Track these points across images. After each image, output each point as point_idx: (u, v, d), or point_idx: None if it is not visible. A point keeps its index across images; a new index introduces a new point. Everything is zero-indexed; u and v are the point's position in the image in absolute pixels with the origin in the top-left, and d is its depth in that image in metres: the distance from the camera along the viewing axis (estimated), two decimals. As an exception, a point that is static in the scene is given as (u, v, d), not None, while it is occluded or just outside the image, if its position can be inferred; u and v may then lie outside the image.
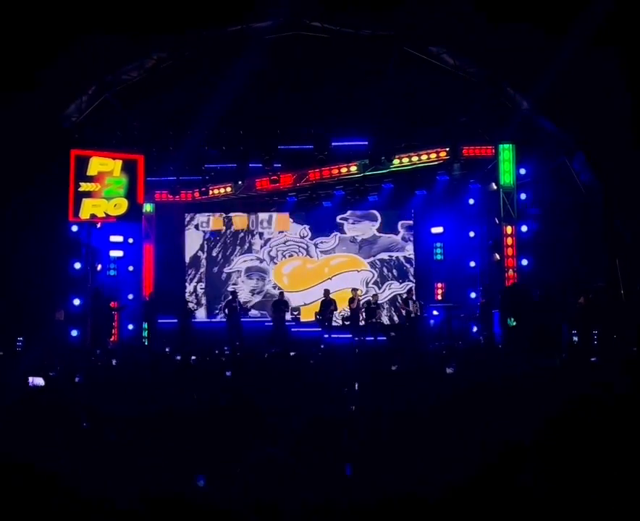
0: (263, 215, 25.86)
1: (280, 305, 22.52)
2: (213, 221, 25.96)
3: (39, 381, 9.67)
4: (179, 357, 14.31)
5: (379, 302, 22.88)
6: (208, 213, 25.72)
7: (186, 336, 21.94)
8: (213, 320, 25.04)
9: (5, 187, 18.77)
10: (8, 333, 18.15)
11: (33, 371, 10.03)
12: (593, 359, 10.83)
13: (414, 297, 22.65)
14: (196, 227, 25.89)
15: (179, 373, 11.03)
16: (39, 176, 19.43)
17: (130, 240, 23.51)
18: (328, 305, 22.60)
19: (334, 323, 22.91)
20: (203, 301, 25.78)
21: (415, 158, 21.77)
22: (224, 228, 25.93)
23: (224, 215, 25.74)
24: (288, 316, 23.42)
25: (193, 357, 15.13)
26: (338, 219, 25.74)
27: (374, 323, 21.94)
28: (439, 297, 24.24)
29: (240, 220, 25.92)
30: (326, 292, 23.06)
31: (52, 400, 7.28)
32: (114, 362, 13.96)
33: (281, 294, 23.47)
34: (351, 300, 22.17)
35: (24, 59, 17.08)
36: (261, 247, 25.81)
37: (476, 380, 8.71)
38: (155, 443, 5.24)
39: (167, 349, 19.79)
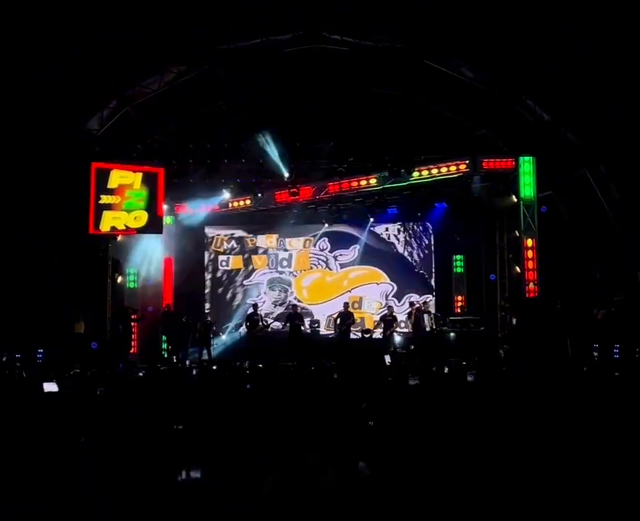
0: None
1: (294, 317, 22.52)
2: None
3: (53, 387, 9.71)
4: (196, 371, 14.32)
5: (394, 314, 22.78)
6: (227, 226, 25.76)
7: (206, 347, 22.00)
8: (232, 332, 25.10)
9: (27, 200, 18.92)
10: (28, 344, 18.23)
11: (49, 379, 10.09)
12: (617, 373, 10.71)
13: (430, 311, 22.51)
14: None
15: (199, 386, 11.01)
16: (61, 189, 19.56)
17: (150, 252, 23.60)
18: (346, 317, 22.57)
19: (352, 336, 22.89)
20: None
21: (434, 171, 21.63)
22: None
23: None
24: (306, 328, 23.50)
25: (214, 367, 15.17)
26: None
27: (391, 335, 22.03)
28: (459, 310, 24.12)
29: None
30: (345, 305, 23.03)
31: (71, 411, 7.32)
32: (140, 374, 14.04)
33: (295, 306, 23.51)
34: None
35: (47, 71, 17.25)
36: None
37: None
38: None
39: (187, 362, 19.85)
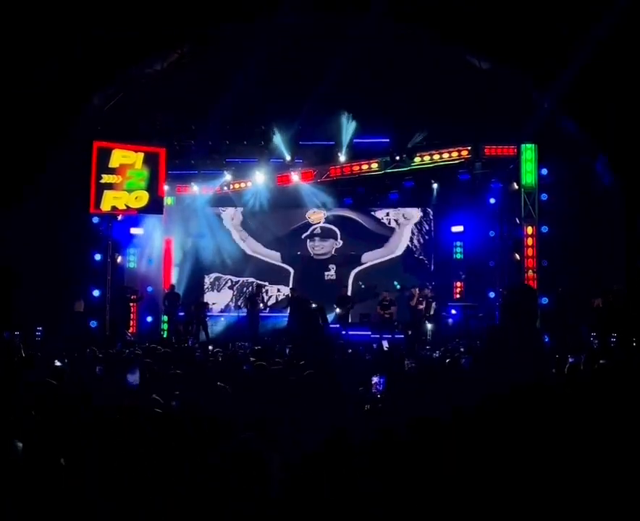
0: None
1: (294, 302, 22.44)
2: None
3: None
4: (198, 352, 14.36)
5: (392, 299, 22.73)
6: (229, 207, 25.66)
7: (202, 328, 21.99)
8: (231, 313, 25.12)
9: (27, 178, 18.90)
10: (27, 322, 18.27)
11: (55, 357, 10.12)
12: (602, 361, 10.74)
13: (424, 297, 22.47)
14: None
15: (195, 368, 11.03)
16: (61, 168, 19.57)
17: (150, 233, 23.58)
18: (346, 300, 22.59)
19: (350, 320, 22.86)
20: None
21: (436, 156, 21.65)
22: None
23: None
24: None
25: (210, 347, 15.22)
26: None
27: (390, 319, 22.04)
28: (458, 296, 24.15)
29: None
30: (344, 289, 23.06)
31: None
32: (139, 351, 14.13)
33: (293, 290, 23.41)
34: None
35: (50, 50, 17.22)
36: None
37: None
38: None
39: (190, 341, 19.93)
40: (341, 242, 25.70)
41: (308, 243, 25.85)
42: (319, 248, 25.76)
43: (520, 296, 18.50)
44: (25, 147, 18.30)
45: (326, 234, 25.83)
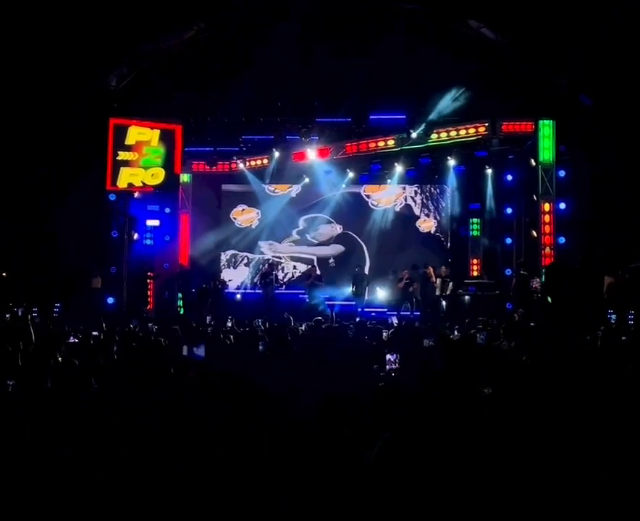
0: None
1: (314, 279, 22.49)
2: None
3: None
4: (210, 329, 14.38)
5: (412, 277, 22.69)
6: (244, 184, 25.49)
7: (218, 306, 22.01)
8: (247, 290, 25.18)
9: (44, 155, 18.98)
10: (46, 298, 18.39)
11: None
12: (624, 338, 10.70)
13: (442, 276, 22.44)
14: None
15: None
16: (78, 145, 19.62)
17: (167, 210, 23.62)
18: (362, 278, 22.58)
19: (367, 297, 22.86)
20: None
21: (453, 133, 21.49)
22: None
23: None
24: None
25: (228, 324, 15.26)
26: (374, 193, 25.72)
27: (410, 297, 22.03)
28: (475, 273, 24.08)
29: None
30: (360, 266, 23.03)
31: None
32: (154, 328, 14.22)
33: (313, 268, 23.45)
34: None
35: (66, 27, 17.22)
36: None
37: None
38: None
39: (208, 318, 19.97)
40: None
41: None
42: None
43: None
44: (41, 123, 18.38)
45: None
